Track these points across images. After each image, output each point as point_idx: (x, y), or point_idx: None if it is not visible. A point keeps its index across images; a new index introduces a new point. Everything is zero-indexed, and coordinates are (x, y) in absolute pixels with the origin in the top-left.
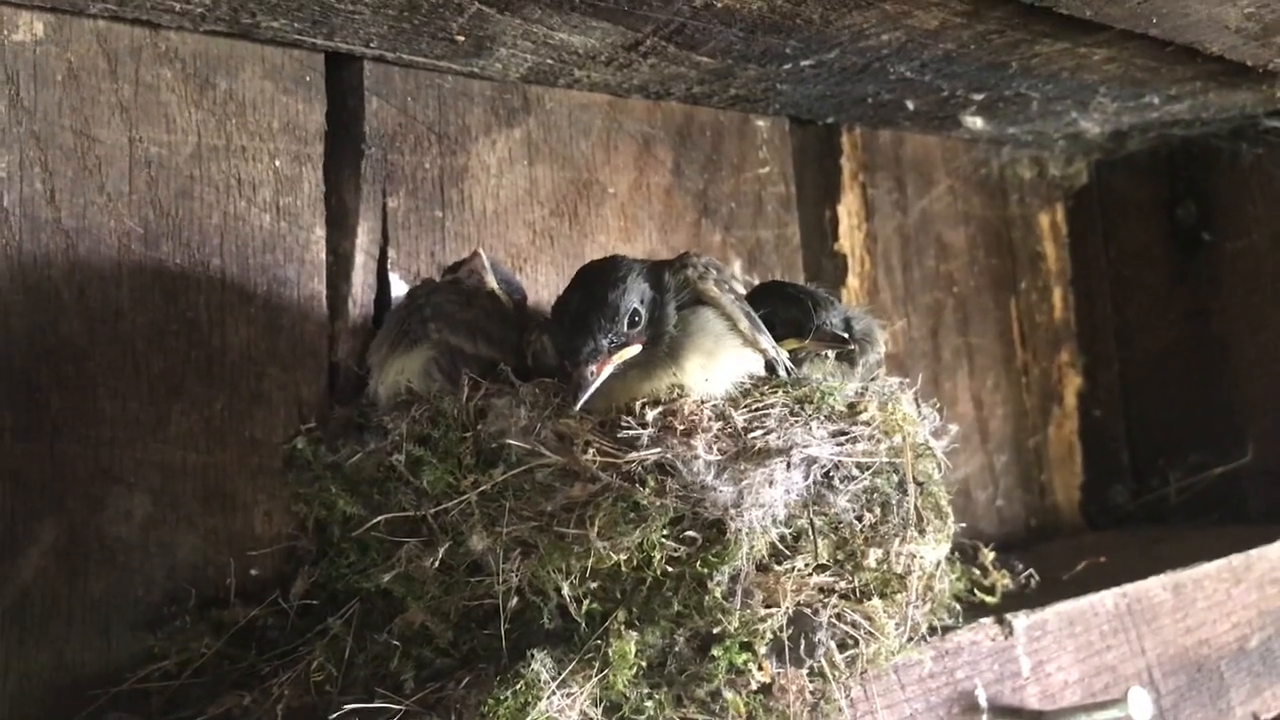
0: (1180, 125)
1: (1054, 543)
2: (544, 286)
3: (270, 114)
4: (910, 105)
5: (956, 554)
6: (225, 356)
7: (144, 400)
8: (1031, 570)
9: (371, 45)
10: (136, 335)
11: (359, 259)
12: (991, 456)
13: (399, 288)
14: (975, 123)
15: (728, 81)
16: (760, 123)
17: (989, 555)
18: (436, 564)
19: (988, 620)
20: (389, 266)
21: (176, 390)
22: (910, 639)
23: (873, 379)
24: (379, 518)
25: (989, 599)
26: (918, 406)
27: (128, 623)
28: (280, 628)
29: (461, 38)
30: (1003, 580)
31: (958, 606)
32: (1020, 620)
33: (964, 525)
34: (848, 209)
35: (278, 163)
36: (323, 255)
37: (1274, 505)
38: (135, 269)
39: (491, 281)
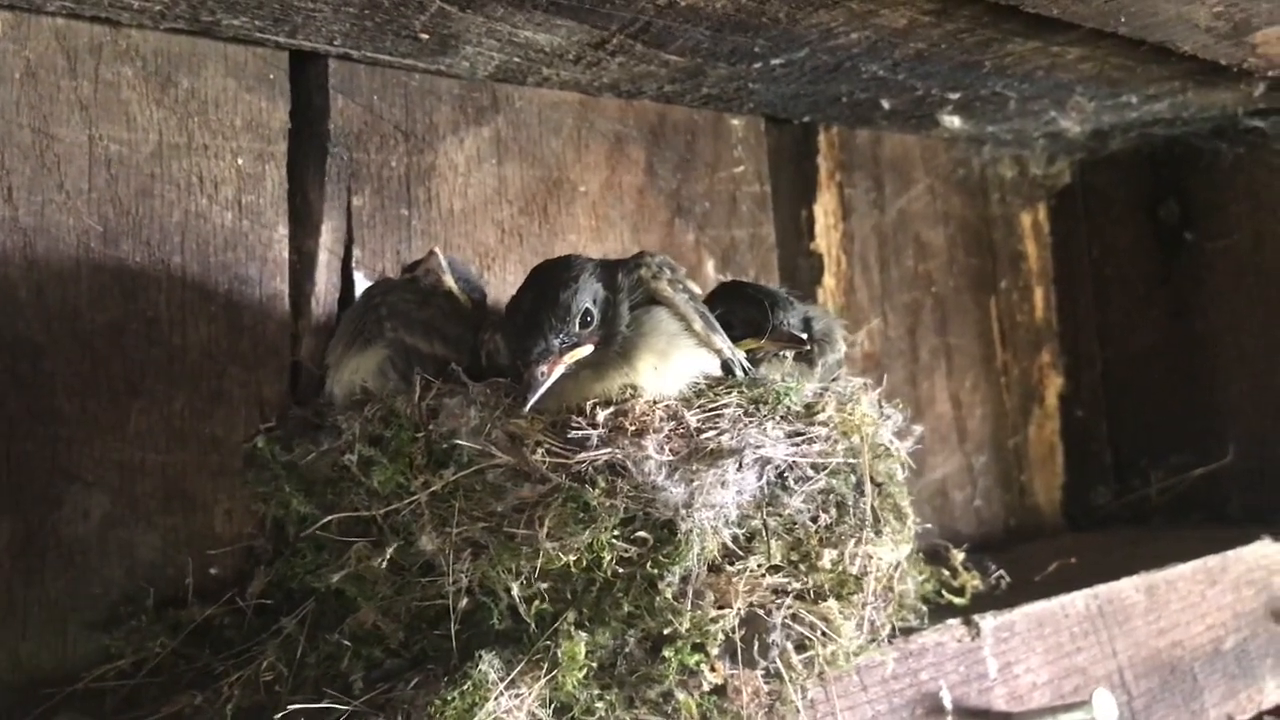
0: (1161, 124)
1: (1033, 544)
2: (512, 286)
3: (233, 112)
4: (886, 104)
5: (920, 554)
6: (186, 355)
7: (103, 399)
8: (1002, 571)
9: (335, 43)
10: (95, 334)
11: (323, 258)
12: (970, 457)
13: (364, 287)
14: (953, 122)
15: (699, 80)
16: (735, 122)
17: (959, 556)
18: (384, 564)
19: (954, 621)
20: (354, 265)
21: (136, 389)
22: (873, 640)
23: (833, 379)
24: (329, 517)
25: (958, 600)
26: (880, 407)
27: (84, 622)
28: (237, 627)
29: (425, 35)
30: (973, 581)
31: (924, 608)
32: (987, 621)
33: (941, 526)
34: (824, 208)
35: (240, 161)
36: (286, 254)
37: (1254, 506)
38: (94, 267)
39: (449, 280)
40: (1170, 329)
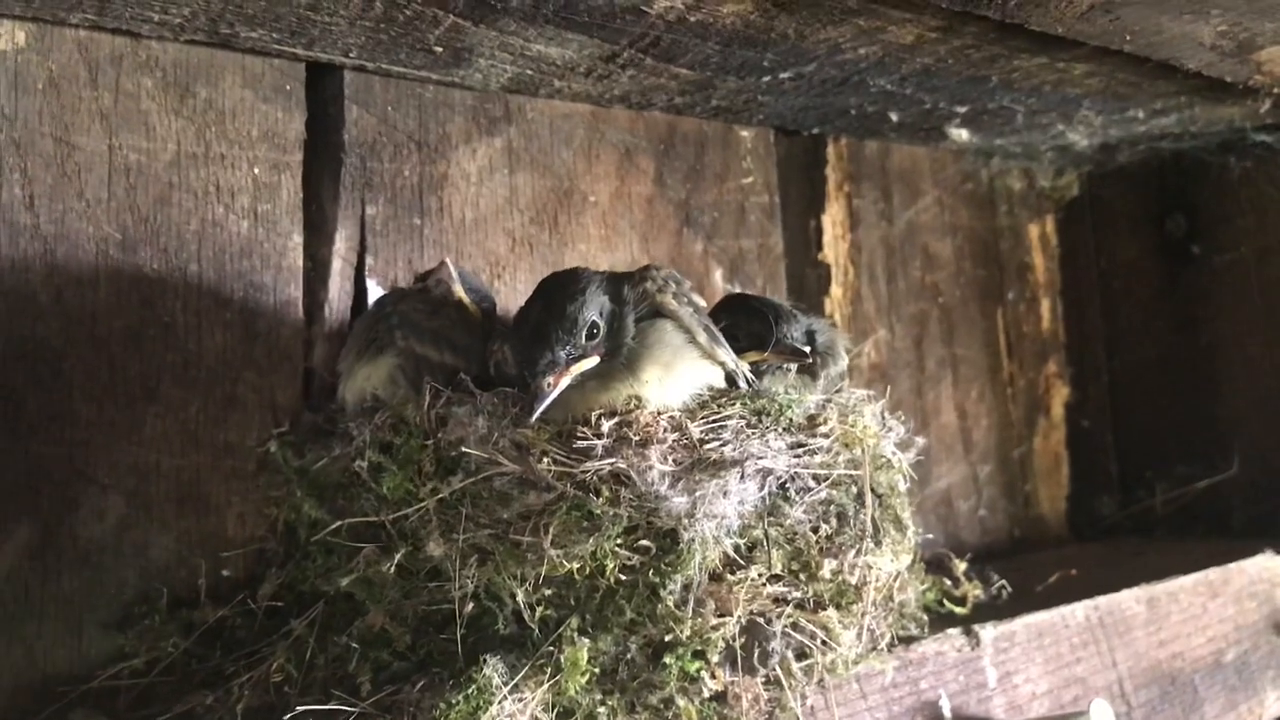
0: (1169, 138)
1: (1037, 554)
2: (523, 294)
3: (250, 122)
4: (894, 117)
5: (923, 564)
6: (201, 361)
7: (120, 403)
8: (1003, 581)
9: (351, 55)
10: (113, 339)
11: (336, 265)
12: (975, 467)
13: (376, 294)
14: (961, 134)
15: (709, 93)
16: (744, 133)
17: (960, 566)
18: (393, 569)
19: (954, 631)
20: (367, 273)
21: (152, 393)
22: (872, 649)
23: (836, 391)
24: (339, 523)
25: (959, 610)
26: (882, 419)
27: (99, 621)
28: (248, 628)
29: (440, 49)
30: (974, 591)
31: (925, 617)
32: (987, 631)
33: (946, 535)
34: (832, 219)
35: (256, 170)
36: (300, 262)
37: (1258, 518)
38: (113, 274)
39: (459, 290)
40: (1176, 341)
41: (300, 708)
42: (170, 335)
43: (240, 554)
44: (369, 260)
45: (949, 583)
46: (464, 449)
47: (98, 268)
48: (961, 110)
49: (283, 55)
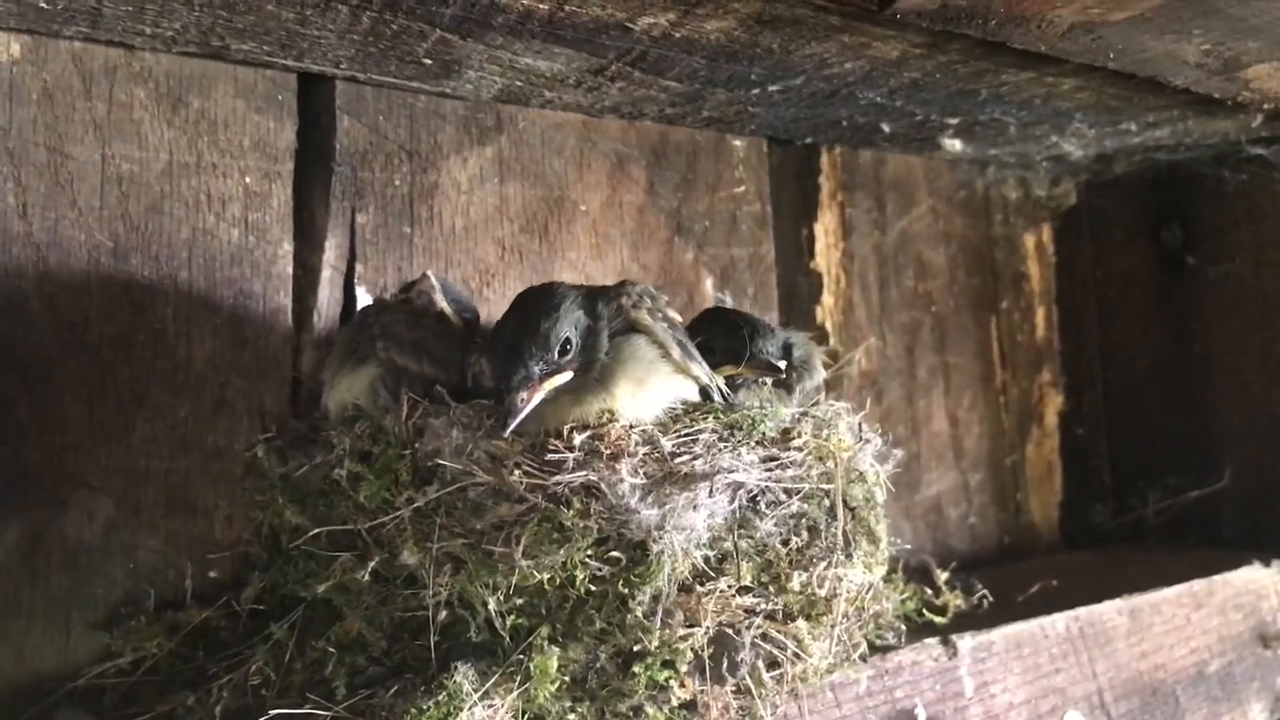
0: (1164, 150)
1: (1027, 562)
2: None
3: (241, 132)
4: (886, 128)
5: (901, 574)
6: (190, 366)
7: (110, 407)
8: (984, 591)
9: (342, 66)
10: (104, 345)
11: (326, 274)
12: (966, 474)
13: (365, 302)
14: (954, 145)
15: (699, 104)
16: (737, 142)
17: (942, 575)
18: (368, 577)
19: (932, 640)
20: (356, 281)
21: (142, 398)
22: (846, 658)
23: (813, 404)
24: (316, 530)
25: (939, 619)
26: (859, 431)
27: (87, 621)
28: (232, 630)
29: (429, 61)
30: (955, 600)
31: (902, 626)
32: (965, 641)
33: (935, 542)
34: (825, 227)
35: (248, 179)
36: (290, 269)
37: (1249, 529)
38: (104, 281)
39: (441, 301)
40: (1170, 352)
41: (274, 711)
42: (160, 341)
43: (227, 556)
44: (359, 268)
45: (930, 592)
46: (439, 460)
47: (89, 275)
48: (953, 122)
49: (274, 66)
